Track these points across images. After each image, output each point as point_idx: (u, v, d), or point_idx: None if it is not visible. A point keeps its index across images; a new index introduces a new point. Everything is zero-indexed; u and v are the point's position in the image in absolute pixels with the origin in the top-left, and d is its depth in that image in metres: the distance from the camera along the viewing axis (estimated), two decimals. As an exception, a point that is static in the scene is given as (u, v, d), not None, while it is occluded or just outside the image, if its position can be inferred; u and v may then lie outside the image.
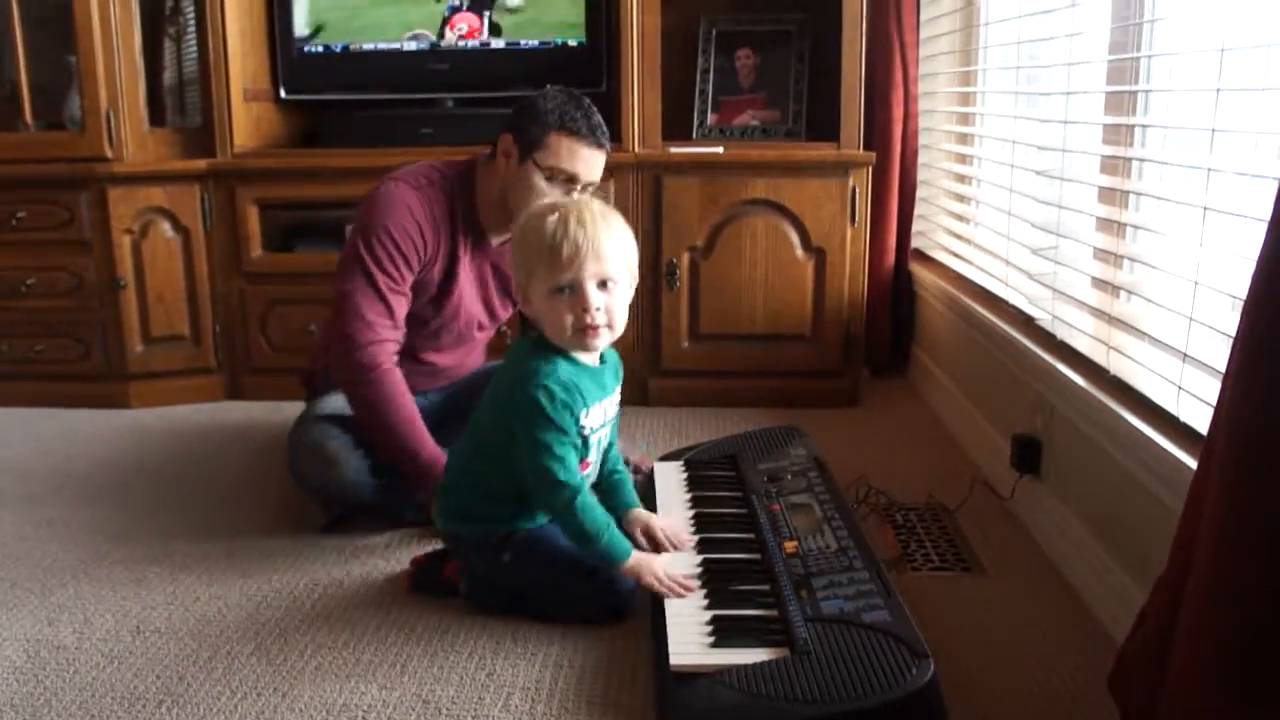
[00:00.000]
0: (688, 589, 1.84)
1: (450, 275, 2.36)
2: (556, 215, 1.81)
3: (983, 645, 1.82)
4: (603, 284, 1.81)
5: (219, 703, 1.67)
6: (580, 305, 1.80)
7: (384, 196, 2.28)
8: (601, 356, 1.94)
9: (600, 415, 1.92)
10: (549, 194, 2.19)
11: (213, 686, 1.72)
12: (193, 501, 2.54)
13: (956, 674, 1.69)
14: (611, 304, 1.83)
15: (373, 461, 2.28)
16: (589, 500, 1.85)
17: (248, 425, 3.14)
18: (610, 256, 1.81)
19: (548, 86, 2.27)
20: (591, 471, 1.97)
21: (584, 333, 1.82)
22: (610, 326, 1.84)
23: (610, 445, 2.06)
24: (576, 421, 1.85)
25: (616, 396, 1.99)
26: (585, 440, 1.89)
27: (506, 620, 1.91)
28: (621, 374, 2.02)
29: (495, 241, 2.42)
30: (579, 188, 2.24)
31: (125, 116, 3.23)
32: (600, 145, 2.24)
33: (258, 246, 3.29)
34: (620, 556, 1.85)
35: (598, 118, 2.25)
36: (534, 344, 1.90)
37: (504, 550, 1.93)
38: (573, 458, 1.84)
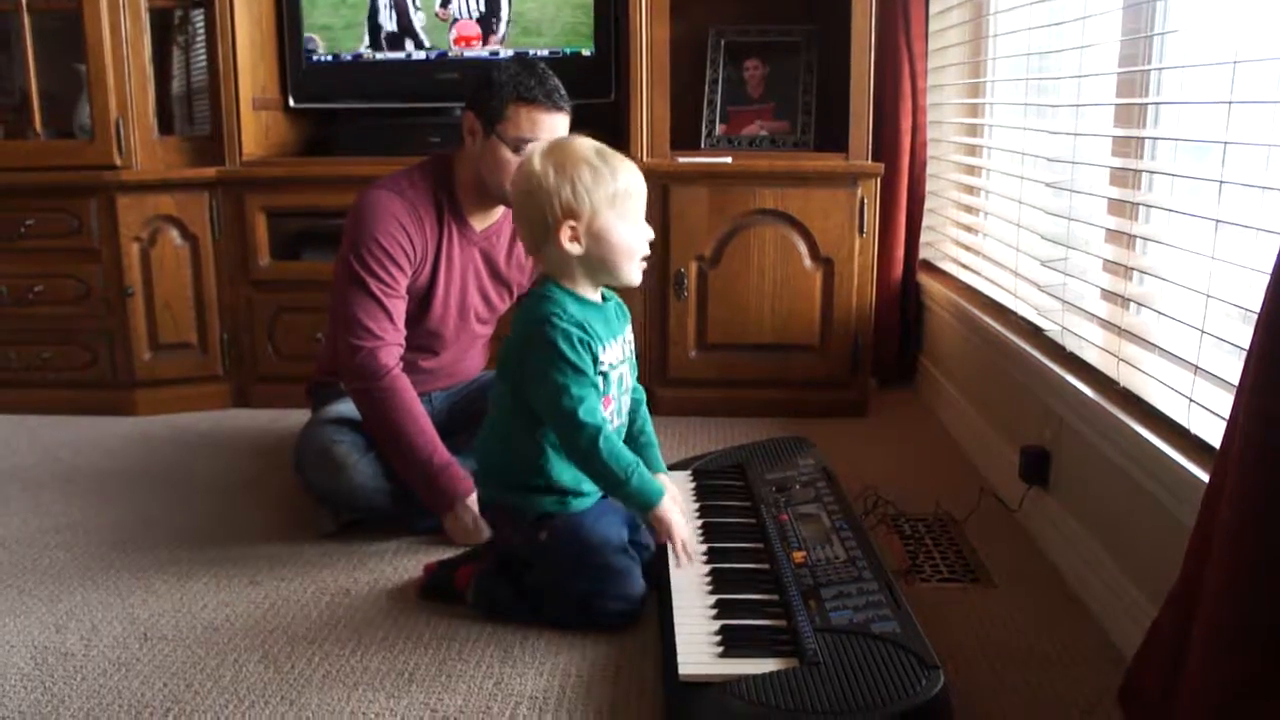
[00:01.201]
0: (688, 556, 1.86)
1: (442, 267, 2.37)
2: (594, 149, 1.87)
3: (991, 656, 1.82)
4: None
5: (226, 711, 1.67)
6: (647, 236, 1.91)
7: (367, 207, 2.30)
8: (603, 295, 1.98)
9: (618, 351, 1.95)
10: (517, 164, 2.21)
11: (220, 694, 1.72)
12: (200, 508, 2.54)
13: (965, 685, 1.69)
14: None
15: (382, 465, 2.29)
16: (614, 441, 1.84)
17: (255, 432, 3.14)
18: None
19: (502, 58, 2.27)
20: (615, 410, 1.96)
21: (641, 260, 1.91)
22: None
23: (638, 404, 2.09)
24: (595, 358, 1.86)
25: (629, 334, 2.02)
26: (605, 376, 1.90)
27: (515, 630, 1.91)
28: (628, 314, 2.05)
29: (479, 228, 2.43)
30: None
31: (134, 125, 3.24)
32: (559, 107, 2.25)
33: (265, 254, 3.30)
34: (653, 498, 1.84)
35: (554, 80, 2.26)
36: (539, 289, 1.91)
37: (542, 529, 1.93)
38: (593, 398, 1.84)
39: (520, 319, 1.93)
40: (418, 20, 3.38)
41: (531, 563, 1.97)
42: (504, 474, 1.98)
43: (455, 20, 3.37)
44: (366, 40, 3.40)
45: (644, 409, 2.13)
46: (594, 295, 1.93)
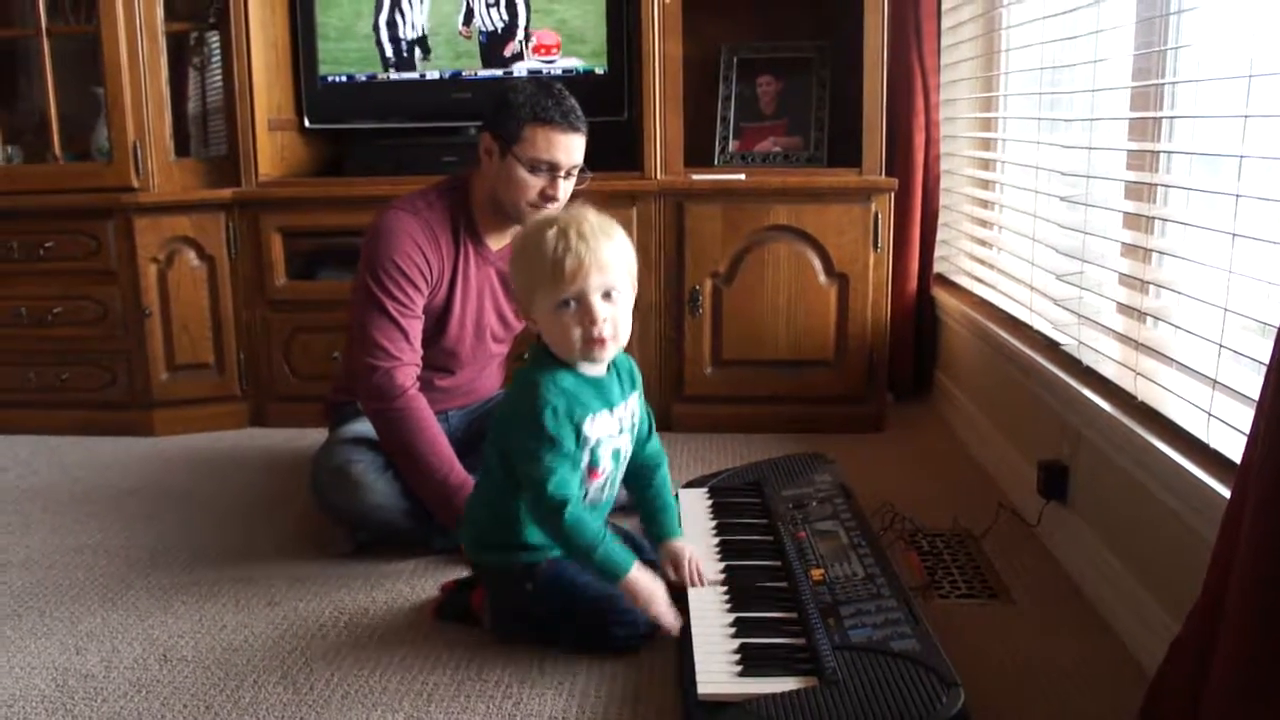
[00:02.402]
0: (671, 629, 1.82)
1: (459, 287, 2.39)
2: (555, 229, 1.80)
3: (1011, 674, 1.81)
4: (607, 295, 1.81)
5: (246, 732, 1.68)
6: (587, 318, 1.79)
7: (384, 227, 2.31)
8: (610, 365, 1.93)
9: (612, 424, 1.90)
10: (534, 185, 2.25)
11: (240, 715, 1.72)
12: (218, 528, 2.55)
13: (985, 703, 1.68)
14: (616, 315, 1.82)
15: (399, 485, 2.29)
16: (580, 514, 1.81)
17: (272, 452, 3.15)
18: (613, 267, 1.80)
19: (518, 78, 2.28)
20: (605, 482, 1.94)
21: (591, 345, 1.81)
22: (615, 338, 1.84)
23: (656, 468, 2.06)
24: (578, 431, 1.83)
25: (633, 404, 1.97)
26: (594, 450, 1.87)
27: (532, 650, 1.91)
28: (639, 378, 2.01)
29: (495, 247, 2.44)
30: (563, 173, 2.26)
31: (152, 147, 3.27)
32: (576, 129, 2.26)
33: (282, 274, 3.31)
34: (616, 571, 1.82)
35: (570, 101, 2.27)
36: (536, 358, 1.89)
37: (527, 580, 1.92)
38: (566, 470, 1.81)
39: (514, 382, 1.93)
40: (434, 39, 3.40)
41: (529, 610, 1.95)
42: (484, 534, 1.97)
43: (484, 32, 3.38)
44: (380, 60, 3.42)
45: (662, 473, 2.08)
46: (593, 369, 1.88)
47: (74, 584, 2.26)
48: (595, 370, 1.89)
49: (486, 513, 1.97)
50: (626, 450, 1.98)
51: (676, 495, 2.38)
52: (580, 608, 1.89)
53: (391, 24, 3.39)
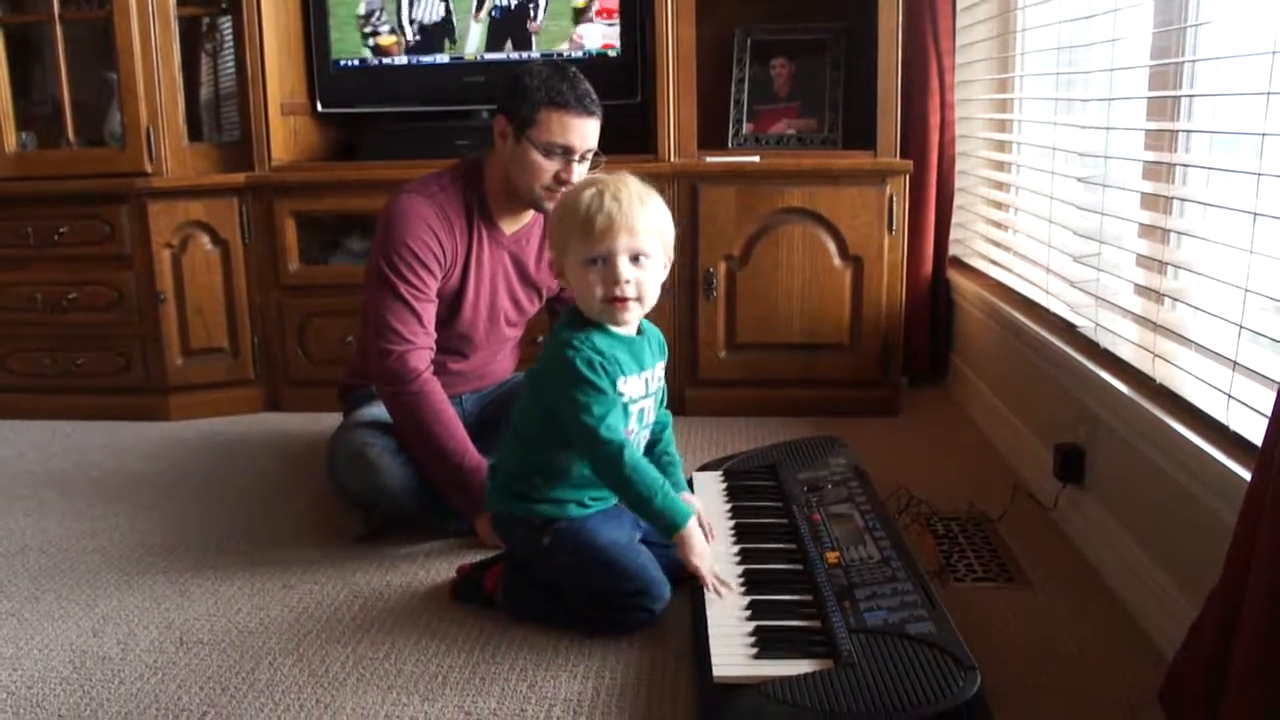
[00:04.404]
0: (725, 587, 1.84)
1: (472, 270, 2.38)
2: (593, 189, 1.84)
3: (1028, 657, 1.80)
4: (635, 258, 1.84)
5: (262, 714, 1.68)
6: (611, 277, 1.82)
7: (398, 211, 2.31)
8: (640, 328, 1.96)
9: (640, 386, 1.93)
10: (549, 169, 2.25)
11: (256, 698, 1.73)
12: (233, 512, 2.56)
13: (1002, 686, 1.67)
14: (643, 278, 1.85)
15: (413, 468, 2.29)
16: (639, 459, 1.84)
17: (287, 436, 3.16)
18: (643, 230, 1.83)
19: (532, 61, 2.27)
20: (636, 443, 1.95)
21: (613, 304, 1.84)
22: (640, 300, 1.86)
23: (663, 427, 2.08)
24: (614, 387, 1.85)
25: (659, 371, 2.00)
26: (625, 409, 1.88)
27: (547, 632, 1.91)
28: (666, 349, 2.03)
29: (508, 230, 2.43)
30: (577, 157, 2.25)
31: (165, 132, 3.27)
32: (590, 113, 2.25)
33: (295, 259, 3.31)
34: (677, 521, 1.83)
35: (585, 85, 2.26)
36: (568, 319, 1.92)
37: (545, 534, 1.93)
38: (616, 416, 1.84)
39: (550, 339, 1.95)
40: (447, 22, 3.38)
41: (539, 570, 1.96)
42: (513, 485, 1.98)
43: (499, 6, 3.37)
44: (395, 42, 3.41)
45: (669, 431, 2.12)
46: (623, 329, 1.91)
47: (90, 567, 2.26)
48: (625, 330, 1.91)
49: (515, 465, 1.99)
50: (650, 415, 2.00)
51: (690, 479, 2.39)
52: (593, 576, 1.89)
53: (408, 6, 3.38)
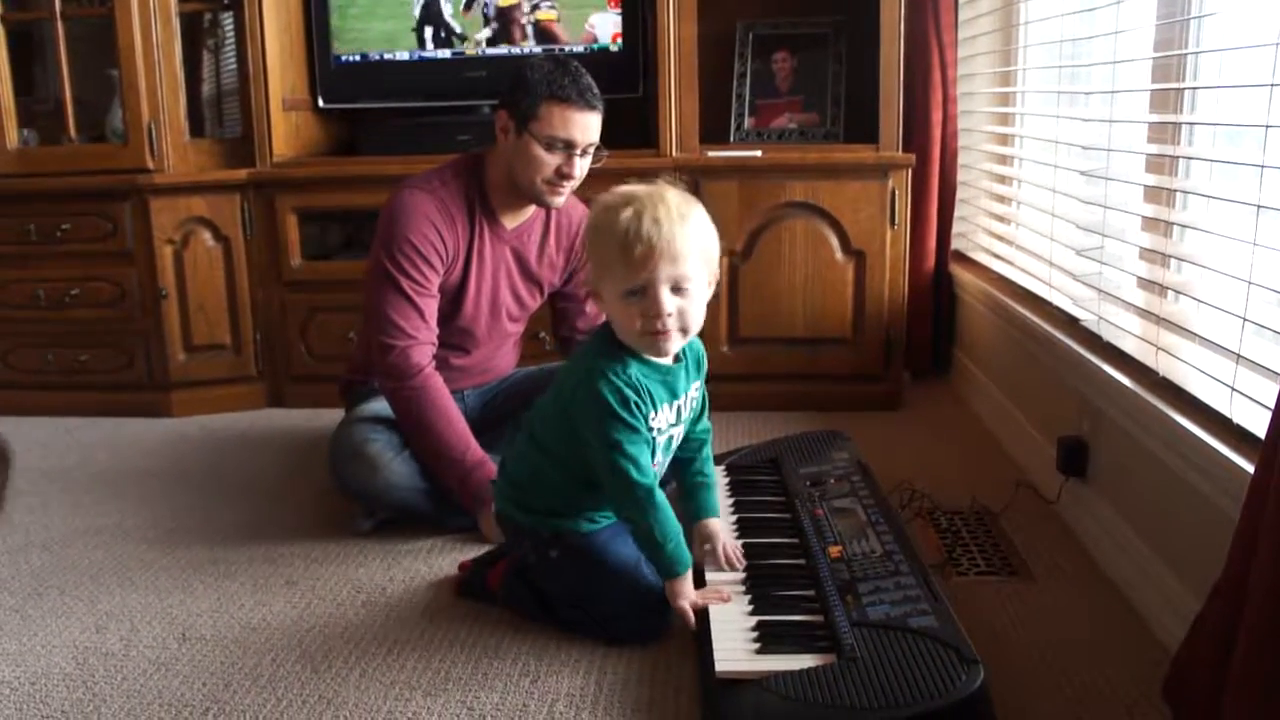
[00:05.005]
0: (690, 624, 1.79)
1: (474, 265, 2.38)
2: (631, 210, 1.70)
3: (1031, 651, 1.79)
4: (677, 287, 1.72)
5: (264, 710, 1.68)
6: (652, 310, 1.71)
7: (399, 206, 2.30)
8: (680, 352, 1.86)
9: (671, 415, 1.86)
10: (550, 163, 2.23)
11: (258, 694, 1.73)
12: (236, 508, 2.56)
13: (1005, 680, 1.67)
14: (686, 306, 1.74)
15: (416, 464, 2.29)
16: (663, 503, 1.78)
17: (289, 432, 3.16)
18: (686, 257, 1.71)
19: (534, 55, 2.26)
20: (658, 471, 1.88)
21: (654, 336, 1.74)
22: (684, 330, 1.77)
23: (702, 443, 2.02)
24: (645, 422, 1.79)
25: (695, 391, 1.92)
26: (651, 441, 1.82)
27: (550, 628, 1.90)
28: (705, 363, 1.96)
29: (510, 225, 2.43)
30: (579, 151, 2.25)
31: (166, 128, 3.27)
32: (592, 106, 2.24)
33: (297, 255, 3.31)
34: (678, 570, 1.79)
35: (587, 79, 2.25)
36: (603, 341, 1.83)
37: (554, 546, 1.89)
38: (645, 456, 1.77)
39: (581, 359, 1.87)
40: (447, 11, 3.38)
41: (542, 580, 1.93)
42: (523, 494, 1.94)
43: (494, 4, 3.36)
44: (402, 39, 3.41)
45: (707, 450, 2.04)
46: (662, 358, 1.82)
47: (93, 564, 2.27)
48: (663, 358, 1.83)
49: (526, 474, 1.93)
50: (679, 438, 1.94)
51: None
52: (600, 594, 1.86)
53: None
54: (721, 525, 2.00)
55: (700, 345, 1.94)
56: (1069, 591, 2.02)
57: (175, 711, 1.68)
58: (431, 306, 2.32)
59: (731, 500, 2.26)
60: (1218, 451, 1.64)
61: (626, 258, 1.70)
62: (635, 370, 1.78)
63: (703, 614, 1.79)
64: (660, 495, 1.79)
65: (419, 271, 2.27)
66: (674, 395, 1.85)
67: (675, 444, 1.93)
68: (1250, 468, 1.53)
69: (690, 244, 1.72)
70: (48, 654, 1.88)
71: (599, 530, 1.91)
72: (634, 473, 1.75)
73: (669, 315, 1.73)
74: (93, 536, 2.41)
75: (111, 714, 1.68)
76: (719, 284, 3.10)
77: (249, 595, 2.09)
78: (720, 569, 1.92)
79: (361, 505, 2.36)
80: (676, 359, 1.86)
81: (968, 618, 1.74)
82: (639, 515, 1.78)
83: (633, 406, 1.76)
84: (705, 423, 2.03)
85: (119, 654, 1.87)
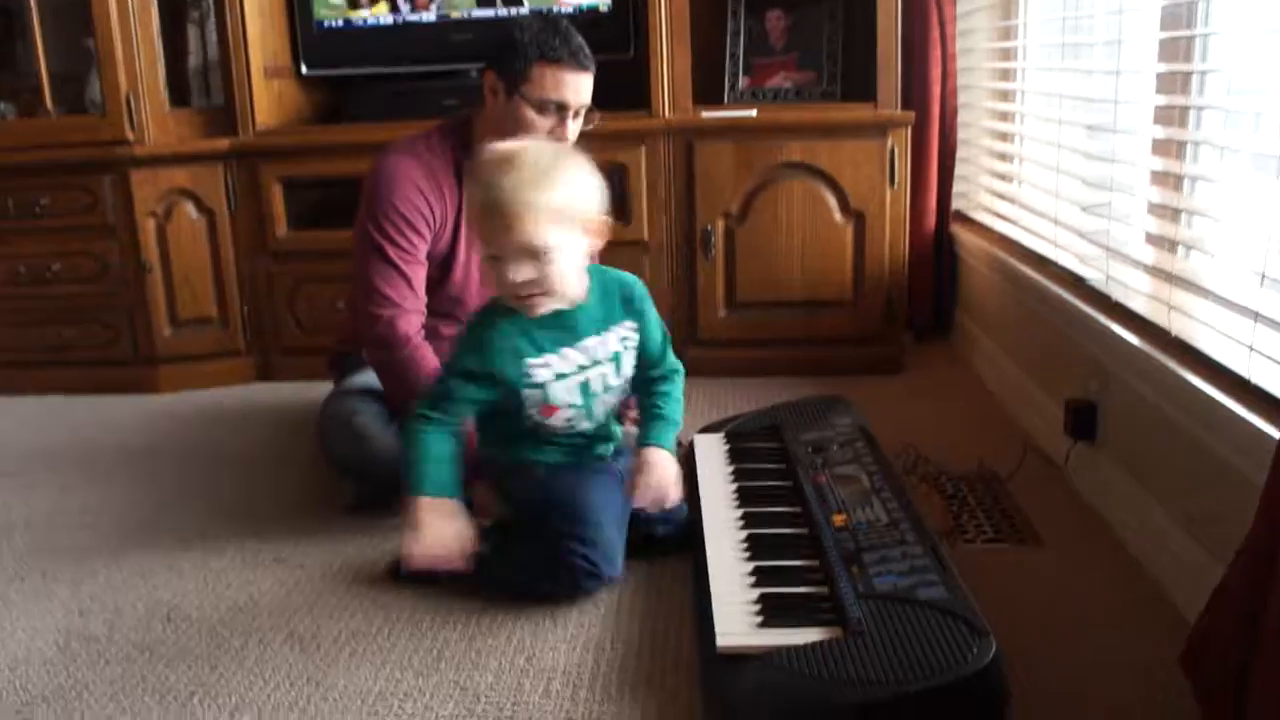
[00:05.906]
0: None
1: (463, 231, 2.31)
2: (486, 179, 1.69)
3: (1043, 621, 1.74)
4: (534, 255, 1.69)
5: (251, 693, 1.63)
6: (505, 280, 1.71)
7: (384, 172, 2.24)
8: (595, 291, 1.84)
9: (580, 357, 1.85)
10: (542, 126, 2.17)
11: (245, 676, 1.68)
12: (225, 484, 2.51)
13: (1016, 651, 1.61)
14: (546, 272, 1.70)
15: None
16: (423, 435, 1.79)
17: (278, 406, 3.10)
18: (537, 223, 1.66)
19: (522, 15, 2.19)
20: (579, 414, 1.88)
21: (519, 301, 1.75)
22: (547, 294, 1.74)
23: (663, 379, 1.98)
24: (524, 372, 1.80)
25: (621, 331, 1.89)
26: (544, 388, 1.82)
27: (544, 603, 1.85)
28: (640, 300, 1.91)
29: None
30: (571, 113, 2.19)
31: (145, 99, 3.19)
32: (584, 67, 2.18)
33: (283, 225, 3.24)
34: (413, 486, 1.77)
35: (578, 39, 2.19)
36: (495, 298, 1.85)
37: (537, 467, 1.92)
38: (448, 399, 1.81)
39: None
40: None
41: (523, 507, 1.94)
42: (483, 436, 1.98)
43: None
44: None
45: (664, 386, 1.98)
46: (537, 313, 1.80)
47: (78, 544, 2.21)
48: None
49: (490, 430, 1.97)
50: (607, 380, 1.90)
51: (691, 442, 2.33)
52: (560, 511, 1.85)
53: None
54: (662, 461, 1.91)
55: (632, 282, 1.92)
56: (1081, 559, 1.96)
57: (159, 696, 1.63)
58: (419, 274, 2.25)
59: (731, 468, 2.20)
60: (1236, 413, 1.58)
61: (480, 227, 1.73)
62: (509, 326, 1.79)
63: (702, 583, 1.74)
64: (424, 427, 1.80)
65: (405, 238, 2.21)
66: (575, 338, 1.84)
67: (606, 385, 1.90)
68: (1271, 430, 1.48)
69: (543, 210, 1.67)
70: (30, 638, 1.83)
71: (581, 467, 1.93)
72: (419, 403, 1.82)
73: (521, 284, 1.71)
74: (78, 516, 2.36)
75: (95, 700, 1.63)
76: (715, 247, 3.08)
77: (236, 573, 2.04)
78: (644, 505, 1.90)
79: (351, 479, 2.31)
80: (588, 296, 1.84)
81: (976, 587, 1.67)
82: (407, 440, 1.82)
83: (469, 351, 1.81)
84: (671, 363, 2.00)
85: (102, 638, 1.82)
